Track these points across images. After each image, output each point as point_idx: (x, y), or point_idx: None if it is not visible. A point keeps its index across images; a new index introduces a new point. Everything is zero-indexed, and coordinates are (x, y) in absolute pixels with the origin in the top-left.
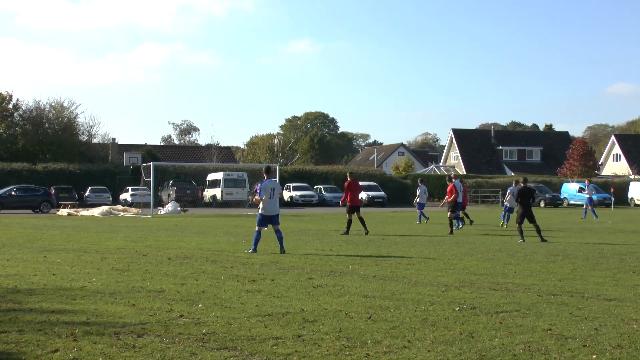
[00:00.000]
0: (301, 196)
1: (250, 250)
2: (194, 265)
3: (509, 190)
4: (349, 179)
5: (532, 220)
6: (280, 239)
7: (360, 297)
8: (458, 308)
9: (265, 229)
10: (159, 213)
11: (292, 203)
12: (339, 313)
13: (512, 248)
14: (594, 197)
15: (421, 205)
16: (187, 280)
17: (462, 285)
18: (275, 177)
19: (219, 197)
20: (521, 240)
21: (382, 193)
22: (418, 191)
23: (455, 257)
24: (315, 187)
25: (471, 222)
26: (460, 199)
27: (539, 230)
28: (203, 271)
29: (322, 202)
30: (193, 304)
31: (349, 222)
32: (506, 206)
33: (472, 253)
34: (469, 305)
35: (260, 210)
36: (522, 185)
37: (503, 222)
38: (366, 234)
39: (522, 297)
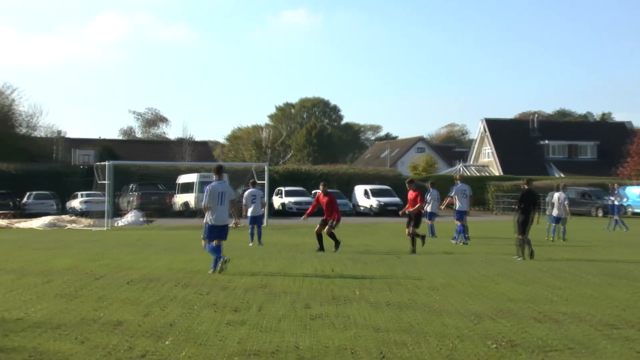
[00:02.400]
0: (295, 203)
1: (210, 271)
2: (160, 290)
3: (555, 197)
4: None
5: (526, 230)
6: (217, 253)
7: (370, 331)
8: (494, 345)
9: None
10: (117, 224)
11: (285, 212)
12: (343, 351)
13: (559, 267)
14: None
15: (432, 216)
16: (152, 309)
17: (497, 315)
18: (225, 179)
19: (192, 204)
20: (520, 258)
21: (396, 199)
22: (428, 197)
23: (488, 279)
24: (313, 191)
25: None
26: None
27: (529, 243)
28: (172, 298)
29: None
30: (159, 339)
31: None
32: (553, 217)
33: (508, 274)
34: (507, 341)
35: (206, 219)
36: (524, 187)
37: (549, 236)
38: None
39: (574, 331)
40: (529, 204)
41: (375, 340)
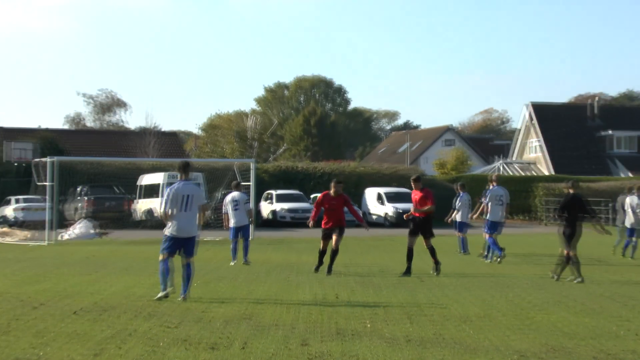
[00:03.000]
0: (290, 211)
1: (159, 295)
2: (117, 323)
3: (627, 202)
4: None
5: (572, 245)
6: (187, 277)
7: None
8: None
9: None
10: (62, 238)
11: (276, 222)
12: None
13: (628, 294)
14: None
15: (463, 227)
16: (107, 346)
17: (548, 355)
18: (196, 180)
19: (158, 211)
20: (579, 279)
21: None
22: (457, 204)
23: (536, 309)
24: (312, 195)
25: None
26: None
27: (569, 262)
28: (132, 332)
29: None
30: None
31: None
32: (628, 229)
33: (563, 301)
34: None
35: (166, 229)
36: (569, 191)
37: (616, 250)
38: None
39: None
40: (575, 213)
41: None
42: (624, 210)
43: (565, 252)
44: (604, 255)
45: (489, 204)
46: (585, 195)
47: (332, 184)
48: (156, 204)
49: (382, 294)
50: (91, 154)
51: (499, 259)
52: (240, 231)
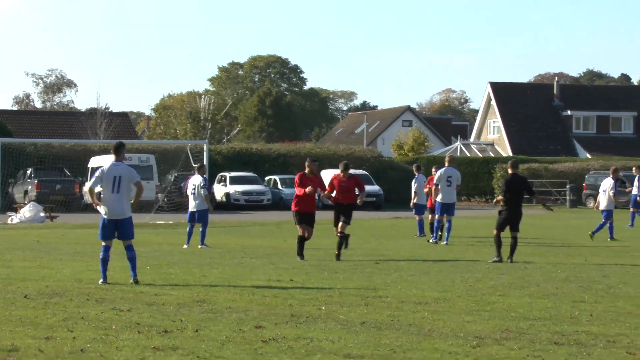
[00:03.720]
0: (244, 193)
1: (100, 281)
2: (67, 307)
3: (603, 184)
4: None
5: (515, 227)
6: (130, 259)
7: (340, 358)
8: None
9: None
10: (9, 222)
11: (230, 204)
12: None
13: (587, 276)
14: None
15: (420, 209)
16: (57, 331)
17: (504, 337)
18: (122, 159)
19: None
20: (496, 258)
21: (376, 188)
22: (414, 185)
23: (493, 292)
24: (266, 178)
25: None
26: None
27: (514, 246)
28: (83, 316)
29: (278, 203)
30: None
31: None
32: (604, 212)
33: (521, 285)
34: None
35: (102, 212)
36: (509, 171)
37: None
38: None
39: (603, 356)
40: (516, 193)
41: None
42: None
43: (495, 232)
44: (568, 238)
45: (439, 185)
46: (547, 177)
47: (307, 163)
48: None
49: (338, 278)
50: (39, 136)
51: (440, 241)
52: (196, 215)
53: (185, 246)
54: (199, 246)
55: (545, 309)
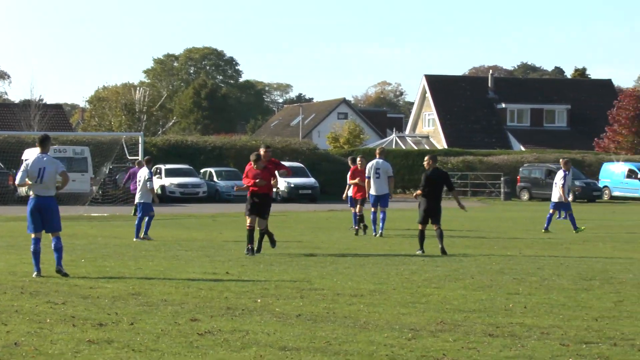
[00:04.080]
0: (179, 186)
1: (34, 274)
2: (0, 301)
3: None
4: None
5: (436, 219)
6: (56, 250)
7: (276, 350)
8: None
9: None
10: None
11: (166, 197)
12: None
13: (521, 268)
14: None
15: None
16: None
17: (440, 329)
18: (47, 152)
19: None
20: (419, 252)
21: (311, 180)
22: (349, 178)
23: (429, 284)
24: (202, 170)
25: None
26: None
27: (440, 236)
28: (17, 310)
29: (214, 196)
30: None
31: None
32: (552, 203)
33: (456, 277)
34: None
35: (30, 193)
36: (429, 164)
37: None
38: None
39: (538, 348)
40: (435, 187)
41: None
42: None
43: (420, 226)
44: (503, 230)
45: (370, 178)
46: (481, 169)
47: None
48: None
49: (274, 270)
50: None
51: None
52: (140, 207)
53: (134, 239)
54: (139, 237)
55: (479, 301)
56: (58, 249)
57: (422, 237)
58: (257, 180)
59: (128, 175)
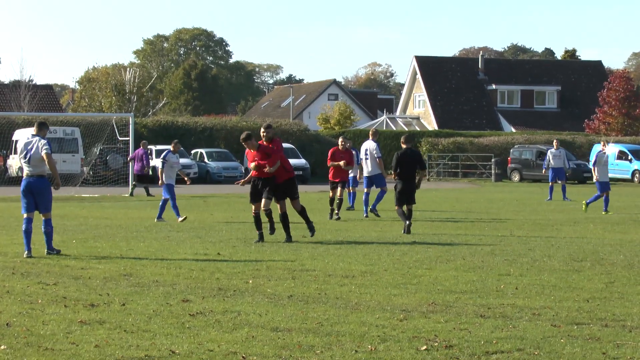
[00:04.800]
0: None
1: (25, 254)
2: None
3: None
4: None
5: (410, 200)
6: (46, 234)
7: (268, 331)
8: (425, 347)
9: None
10: None
11: (156, 178)
12: (232, 357)
13: (512, 250)
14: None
15: (355, 182)
16: None
17: (430, 310)
18: (43, 135)
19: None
20: (404, 232)
21: (302, 161)
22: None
23: (420, 265)
24: (193, 151)
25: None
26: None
27: (409, 215)
28: (8, 290)
29: (205, 177)
30: None
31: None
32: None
33: (447, 258)
34: (442, 343)
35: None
36: (403, 146)
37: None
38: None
39: (529, 329)
40: (408, 167)
41: (274, 344)
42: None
43: (397, 207)
44: (494, 211)
45: (362, 159)
46: (471, 151)
47: (340, 140)
48: None
49: (265, 252)
50: None
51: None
52: (165, 188)
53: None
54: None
55: (471, 282)
56: (47, 233)
57: (402, 214)
58: (252, 164)
59: (132, 156)
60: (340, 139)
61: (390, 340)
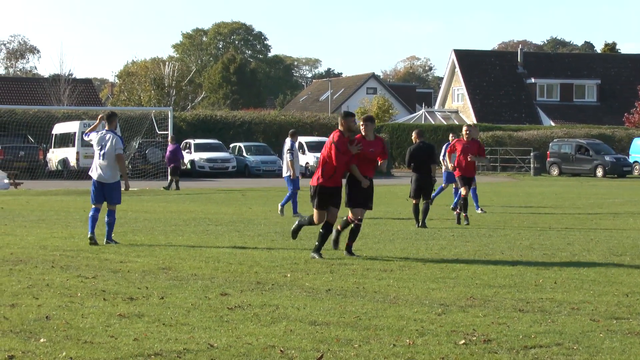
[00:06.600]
0: (209, 160)
1: (89, 235)
2: (31, 274)
3: None
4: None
5: (428, 194)
6: (108, 224)
7: (306, 325)
8: (463, 341)
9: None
10: None
11: (195, 171)
12: (270, 350)
13: (551, 244)
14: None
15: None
16: (21, 298)
17: (469, 305)
18: (114, 128)
19: (72, 161)
20: (417, 225)
21: None
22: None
23: (459, 259)
24: (231, 145)
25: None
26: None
27: (426, 211)
28: (48, 284)
29: (244, 170)
30: (31, 337)
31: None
32: None
33: (486, 252)
34: (480, 337)
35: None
36: (416, 140)
37: None
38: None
39: (568, 323)
40: (422, 162)
41: (312, 337)
42: None
43: (414, 201)
44: (532, 205)
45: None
46: (511, 145)
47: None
48: (71, 154)
49: (303, 245)
50: (3, 102)
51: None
52: (287, 181)
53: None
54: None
55: (509, 277)
56: (109, 224)
57: (416, 210)
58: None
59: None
60: (464, 127)
61: (428, 335)
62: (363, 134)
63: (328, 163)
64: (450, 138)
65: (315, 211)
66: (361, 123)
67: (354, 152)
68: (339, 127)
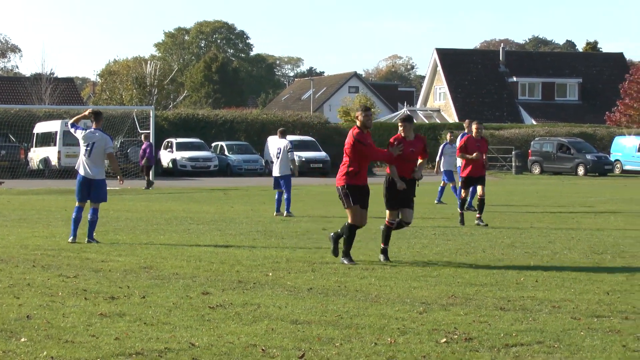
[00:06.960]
0: (191, 159)
1: (70, 239)
2: (12, 274)
3: None
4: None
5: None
6: (90, 222)
7: (287, 324)
8: (444, 340)
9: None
10: None
11: (177, 170)
12: (251, 349)
13: (533, 242)
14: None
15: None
16: (2, 298)
17: (451, 303)
18: (100, 127)
19: (54, 161)
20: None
21: (322, 154)
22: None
23: (440, 258)
24: (213, 144)
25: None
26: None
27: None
28: (28, 283)
29: (225, 169)
30: (12, 337)
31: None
32: None
33: (468, 250)
34: (462, 336)
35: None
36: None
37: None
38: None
39: (549, 321)
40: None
41: (293, 336)
42: None
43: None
44: (514, 204)
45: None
46: (493, 143)
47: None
48: (52, 153)
49: (285, 244)
50: None
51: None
52: (283, 181)
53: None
54: (282, 212)
55: (491, 275)
56: (92, 222)
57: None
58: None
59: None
60: (474, 124)
61: (409, 333)
62: (402, 134)
63: (353, 160)
64: (447, 137)
65: (349, 211)
66: (400, 124)
67: (396, 153)
68: (357, 123)
